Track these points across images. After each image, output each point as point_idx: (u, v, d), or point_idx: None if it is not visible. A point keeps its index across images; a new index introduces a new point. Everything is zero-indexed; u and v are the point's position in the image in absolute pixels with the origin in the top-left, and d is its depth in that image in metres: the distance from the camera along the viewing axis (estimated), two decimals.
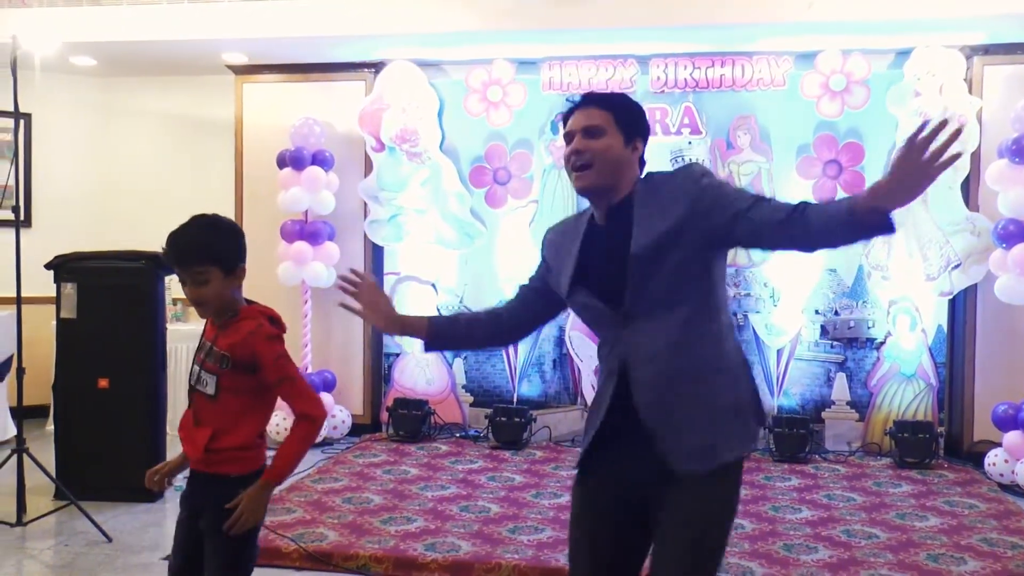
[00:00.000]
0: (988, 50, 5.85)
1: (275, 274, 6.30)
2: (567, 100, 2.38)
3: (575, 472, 2.36)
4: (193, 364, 2.65)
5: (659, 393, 2.18)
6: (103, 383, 4.94)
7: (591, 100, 2.32)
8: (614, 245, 2.23)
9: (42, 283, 5.08)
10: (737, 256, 6.04)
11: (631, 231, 2.20)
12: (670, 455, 2.14)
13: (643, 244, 2.17)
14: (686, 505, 2.15)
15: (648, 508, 2.21)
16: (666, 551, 2.17)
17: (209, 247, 2.55)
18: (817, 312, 6.09)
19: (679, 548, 2.15)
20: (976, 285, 5.86)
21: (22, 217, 4.75)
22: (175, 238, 2.58)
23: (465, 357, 6.58)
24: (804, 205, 2.06)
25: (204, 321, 2.70)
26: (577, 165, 2.27)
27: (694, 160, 2.31)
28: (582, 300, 2.32)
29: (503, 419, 6.25)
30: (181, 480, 4.62)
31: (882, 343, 6.03)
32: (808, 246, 2.15)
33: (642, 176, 2.32)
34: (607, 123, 2.26)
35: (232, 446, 2.55)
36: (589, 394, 6.28)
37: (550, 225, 2.54)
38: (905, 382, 6.00)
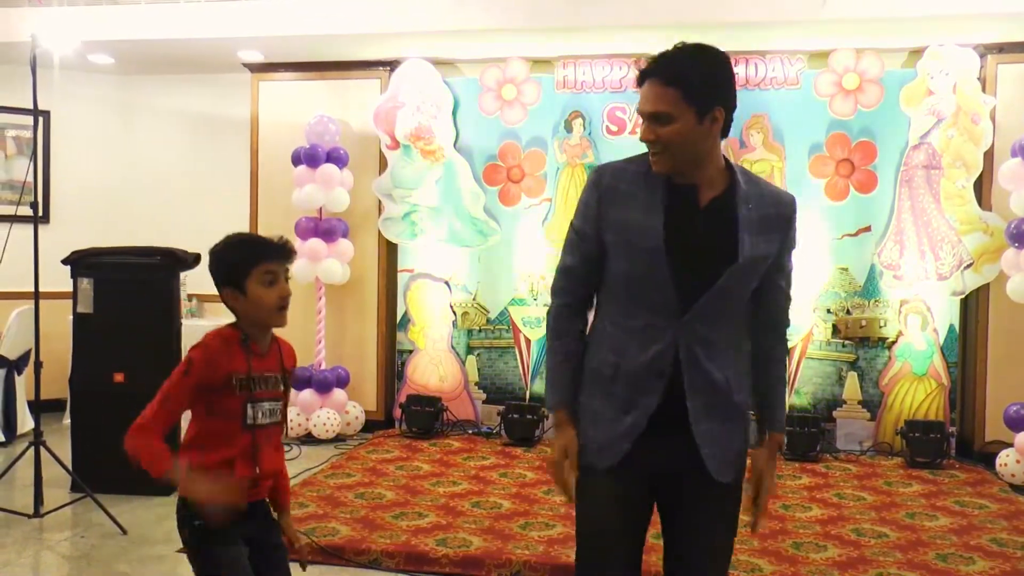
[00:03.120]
0: (1002, 48, 5.83)
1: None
2: (637, 69, 2.16)
3: (605, 462, 2.20)
4: (248, 403, 2.41)
5: (709, 403, 2.19)
6: (119, 377, 4.99)
7: (655, 74, 2.09)
8: (713, 234, 2.14)
9: (59, 278, 5.14)
10: None
11: (733, 228, 2.13)
12: (710, 463, 2.18)
13: (749, 256, 2.14)
14: (723, 512, 2.24)
15: (662, 489, 2.24)
16: (702, 554, 2.22)
17: None
18: (829, 311, 6.09)
19: (718, 552, 2.26)
20: (988, 285, 5.85)
21: (40, 213, 4.80)
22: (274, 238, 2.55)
23: (479, 354, 6.62)
24: (780, 346, 2.35)
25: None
26: (651, 152, 2.14)
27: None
28: (654, 270, 2.13)
29: (515, 416, 6.28)
30: None
31: (894, 342, 6.03)
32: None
33: (732, 163, 2.20)
34: (674, 103, 2.06)
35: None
36: None
37: (602, 165, 2.29)
38: (916, 382, 5.99)
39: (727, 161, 2.21)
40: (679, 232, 2.13)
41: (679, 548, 2.25)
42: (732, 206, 2.15)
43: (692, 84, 2.06)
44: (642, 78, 2.12)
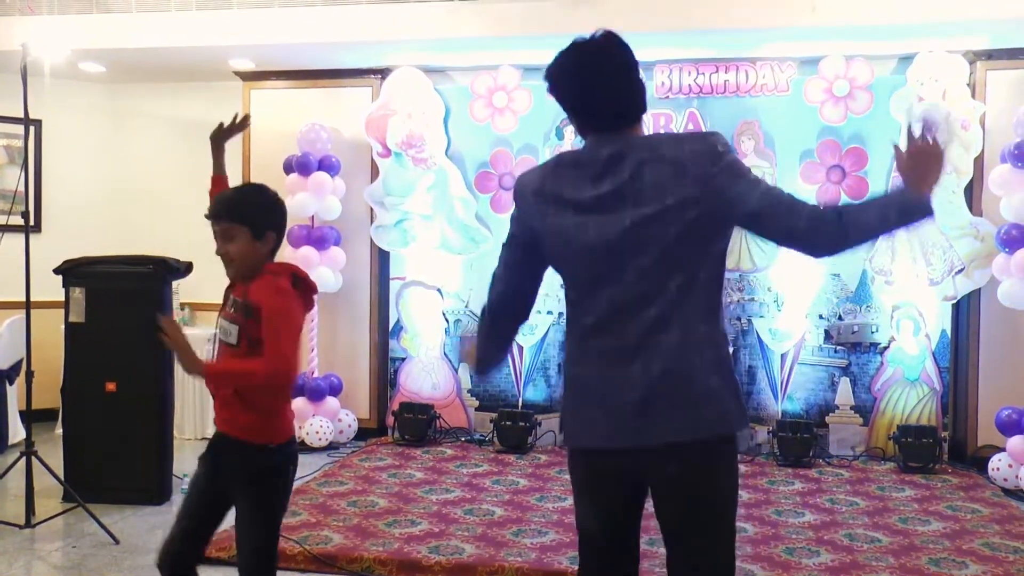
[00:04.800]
0: (991, 55, 5.86)
1: None
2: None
3: None
4: (217, 318, 2.71)
5: None
6: (111, 387, 4.98)
7: None
8: None
9: (51, 287, 5.13)
10: (741, 261, 6.06)
11: None
12: None
13: None
14: None
15: None
16: None
17: (240, 206, 2.68)
18: (821, 317, 6.11)
19: None
20: (980, 290, 5.87)
21: (32, 222, 4.78)
22: (218, 194, 2.81)
23: None
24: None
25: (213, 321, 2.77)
26: None
27: None
28: None
29: (508, 423, 6.28)
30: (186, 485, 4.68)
31: (886, 348, 6.04)
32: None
33: None
34: None
35: (252, 414, 2.63)
36: None
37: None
38: (909, 387, 6.00)
39: None
40: None
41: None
42: None
43: None
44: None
